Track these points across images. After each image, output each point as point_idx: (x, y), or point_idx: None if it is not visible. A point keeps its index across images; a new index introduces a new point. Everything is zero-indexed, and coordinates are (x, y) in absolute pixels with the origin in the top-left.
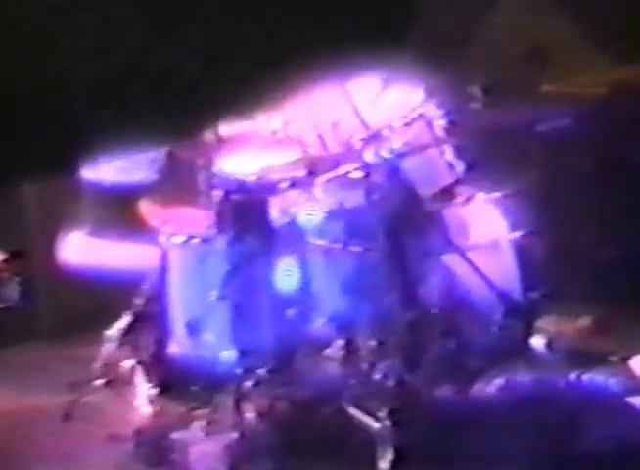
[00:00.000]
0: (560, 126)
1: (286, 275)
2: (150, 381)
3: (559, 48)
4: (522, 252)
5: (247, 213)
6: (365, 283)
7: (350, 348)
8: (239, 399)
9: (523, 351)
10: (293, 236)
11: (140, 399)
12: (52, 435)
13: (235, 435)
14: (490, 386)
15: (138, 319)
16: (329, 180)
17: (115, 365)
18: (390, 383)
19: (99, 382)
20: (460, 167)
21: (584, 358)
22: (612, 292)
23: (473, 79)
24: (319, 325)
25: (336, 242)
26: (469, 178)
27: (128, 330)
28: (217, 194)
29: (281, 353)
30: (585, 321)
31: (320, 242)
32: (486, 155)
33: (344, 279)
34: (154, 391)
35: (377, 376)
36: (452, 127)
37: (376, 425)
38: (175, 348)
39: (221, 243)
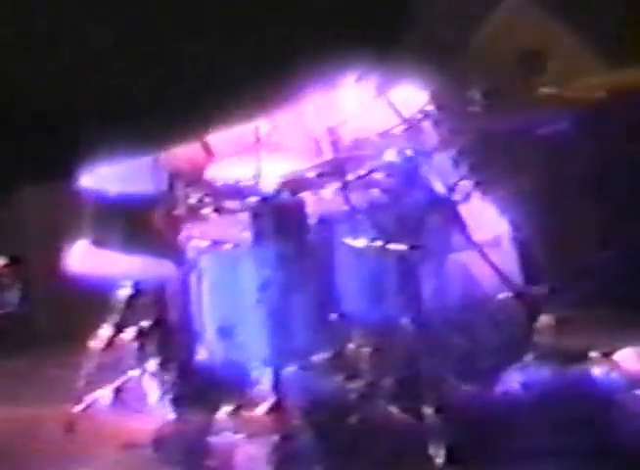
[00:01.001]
0: (559, 129)
1: (321, 276)
2: (164, 388)
3: (558, 51)
4: (521, 250)
5: (279, 217)
6: (399, 281)
7: (387, 347)
8: (277, 401)
9: (529, 346)
10: (327, 238)
11: (151, 408)
12: (57, 445)
13: (276, 438)
14: (507, 382)
15: (141, 328)
16: (357, 180)
17: (116, 374)
18: (431, 381)
19: (106, 390)
20: (464, 167)
21: (565, 355)
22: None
23: (472, 83)
24: (354, 325)
25: (372, 241)
26: (471, 178)
27: (137, 337)
28: (251, 199)
29: (317, 354)
30: (547, 319)
31: (355, 243)
32: (486, 156)
33: (379, 278)
34: (169, 398)
35: (416, 374)
36: (453, 128)
37: (425, 423)
38: (204, 354)
39: (254, 248)
